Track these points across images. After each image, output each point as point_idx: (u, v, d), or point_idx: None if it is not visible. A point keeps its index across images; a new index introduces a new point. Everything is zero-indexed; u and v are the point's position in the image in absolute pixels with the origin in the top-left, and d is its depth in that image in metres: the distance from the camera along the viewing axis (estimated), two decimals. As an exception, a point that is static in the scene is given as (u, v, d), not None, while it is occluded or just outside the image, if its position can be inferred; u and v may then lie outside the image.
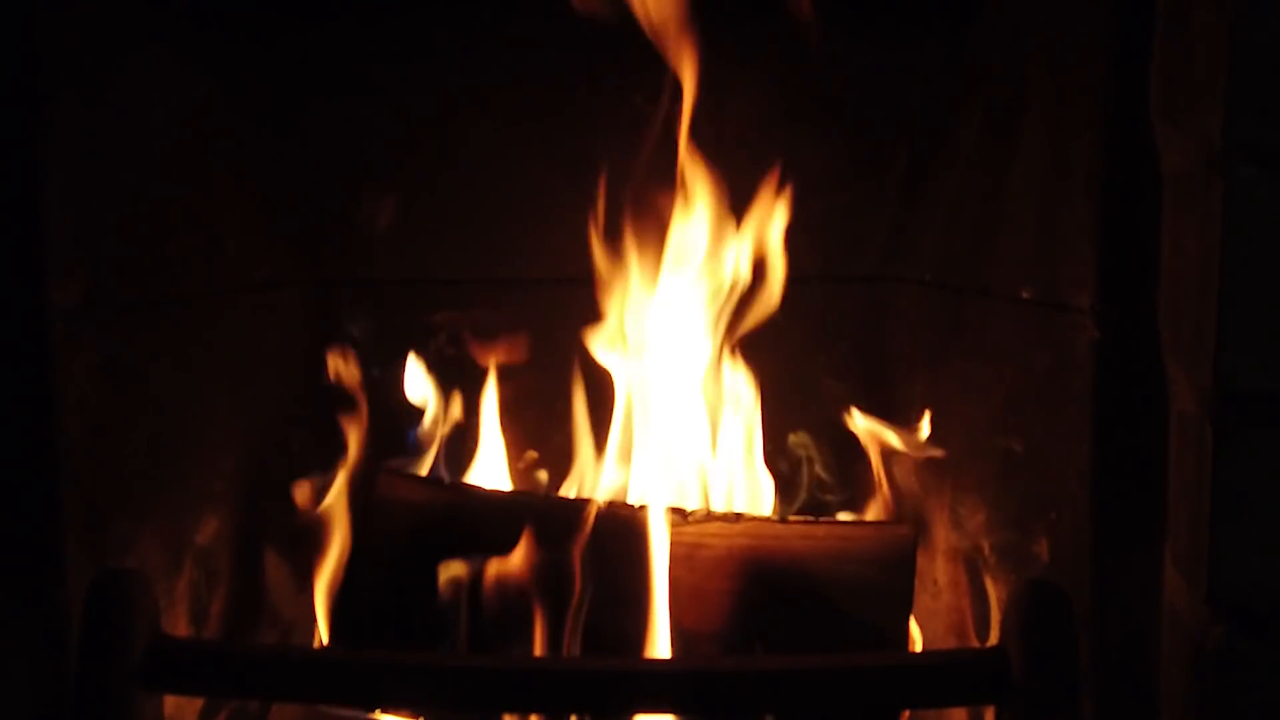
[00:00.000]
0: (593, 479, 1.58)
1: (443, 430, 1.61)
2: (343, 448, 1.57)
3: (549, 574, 1.37)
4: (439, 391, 1.63)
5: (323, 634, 1.48)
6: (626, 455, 1.56)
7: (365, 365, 1.61)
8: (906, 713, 1.38)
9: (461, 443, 1.63)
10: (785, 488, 1.63)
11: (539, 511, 1.43)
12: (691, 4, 1.46)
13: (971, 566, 1.52)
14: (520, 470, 1.66)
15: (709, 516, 1.45)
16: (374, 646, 1.39)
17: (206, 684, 1.30)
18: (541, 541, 1.39)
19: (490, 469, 1.61)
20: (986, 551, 1.49)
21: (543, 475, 1.67)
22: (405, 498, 1.48)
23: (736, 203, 1.55)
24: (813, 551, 1.41)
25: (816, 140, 1.64)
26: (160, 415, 1.45)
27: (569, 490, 1.58)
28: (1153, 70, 1.21)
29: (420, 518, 1.45)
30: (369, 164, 1.67)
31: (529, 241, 1.68)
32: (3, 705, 1.26)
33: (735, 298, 1.56)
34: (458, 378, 1.63)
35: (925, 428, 1.55)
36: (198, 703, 1.50)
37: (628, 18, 1.46)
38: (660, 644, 1.36)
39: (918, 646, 1.49)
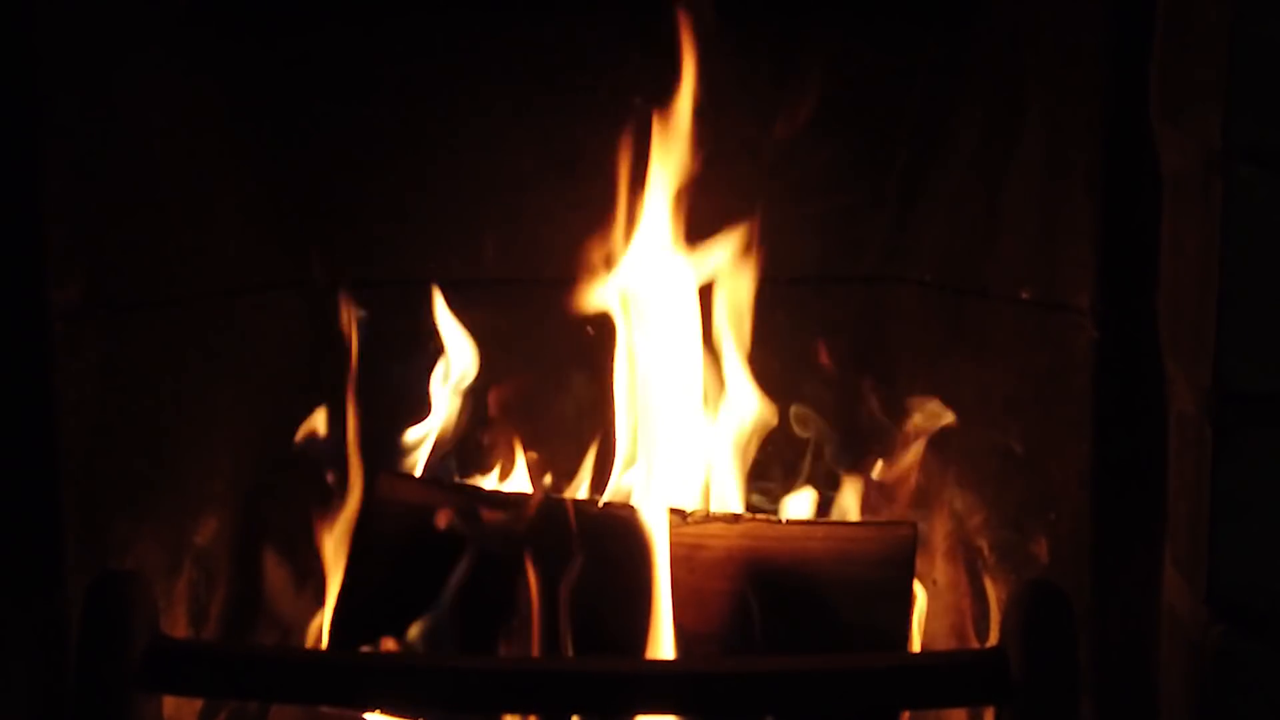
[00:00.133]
0: (592, 480, 1.58)
1: (442, 431, 1.61)
2: (342, 448, 1.57)
3: (546, 574, 1.37)
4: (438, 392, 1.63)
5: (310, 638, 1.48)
6: (626, 456, 1.56)
7: (364, 366, 1.61)
8: (906, 713, 1.38)
9: (461, 443, 1.63)
10: (785, 488, 1.63)
11: (538, 513, 1.43)
12: (692, 4, 1.46)
13: (971, 567, 1.52)
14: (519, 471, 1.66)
15: (708, 517, 1.45)
16: (373, 648, 1.39)
17: (205, 685, 1.30)
18: (539, 542, 1.39)
19: (490, 470, 1.61)
20: (986, 552, 1.49)
21: (544, 476, 1.67)
22: (404, 499, 1.48)
23: (737, 203, 1.55)
24: (812, 552, 1.41)
25: (816, 140, 1.64)
26: (160, 416, 1.45)
27: (569, 491, 1.58)
28: (1152, 70, 1.21)
29: (419, 519, 1.45)
30: (369, 164, 1.67)
31: (529, 242, 1.68)
32: (2, 706, 1.26)
33: (735, 299, 1.56)
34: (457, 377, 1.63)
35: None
36: (197, 703, 1.49)
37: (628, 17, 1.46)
38: (661, 645, 1.36)
39: (917, 647, 1.49)
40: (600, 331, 1.56)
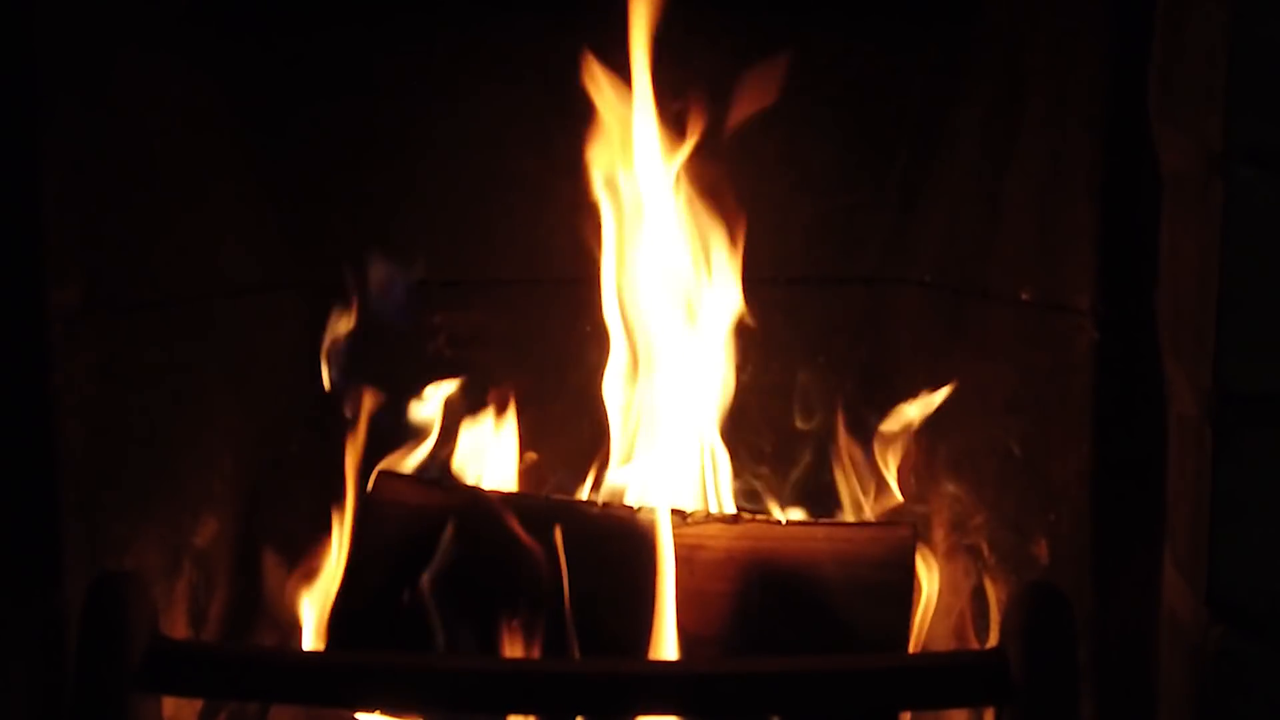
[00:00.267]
0: (593, 480, 1.58)
1: (441, 431, 1.61)
2: (341, 449, 1.57)
3: (545, 575, 1.37)
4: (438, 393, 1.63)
5: (309, 639, 1.48)
6: (626, 457, 1.56)
7: (364, 366, 1.61)
8: (907, 714, 1.38)
9: (460, 444, 1.62)
10: (784, 488, 1.63)
11: (537, 513, 1.43)
12: (693, 5, 1.46)
13: (971, 568, 1.52)
14: (520, 472, 1.66)
15: (708, 518, 1.45)
16: (372, 648, 1.39)
17: (205, 686, 1.30)
18: (538, 542, 1.39)
19: (490, 471, 1.61)
20: (986, 553, 1.49)
21: (543, 476, 1.67)
22: (403, 499, 1.48)
23: (736, 203, 1.55)
24: (813, 553, 1.41)
25: (816, 141, 1.64)
26: (159, 416, 1.45)
27: (568, 492, 1.58)
28: (1152, 71, 1.21)
29: (418, 519, 1.45)
30: (368, 164, 1.66)
31: (529, 242, 1.68)
32: (1, 707, 1.26)
33: (735, 299, 1.56)
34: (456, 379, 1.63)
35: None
36: (196, 704, 1.49)
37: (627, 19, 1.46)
38: (662, 646, 1.36)
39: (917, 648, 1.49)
40: (599, 331, 1.56)
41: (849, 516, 1.63)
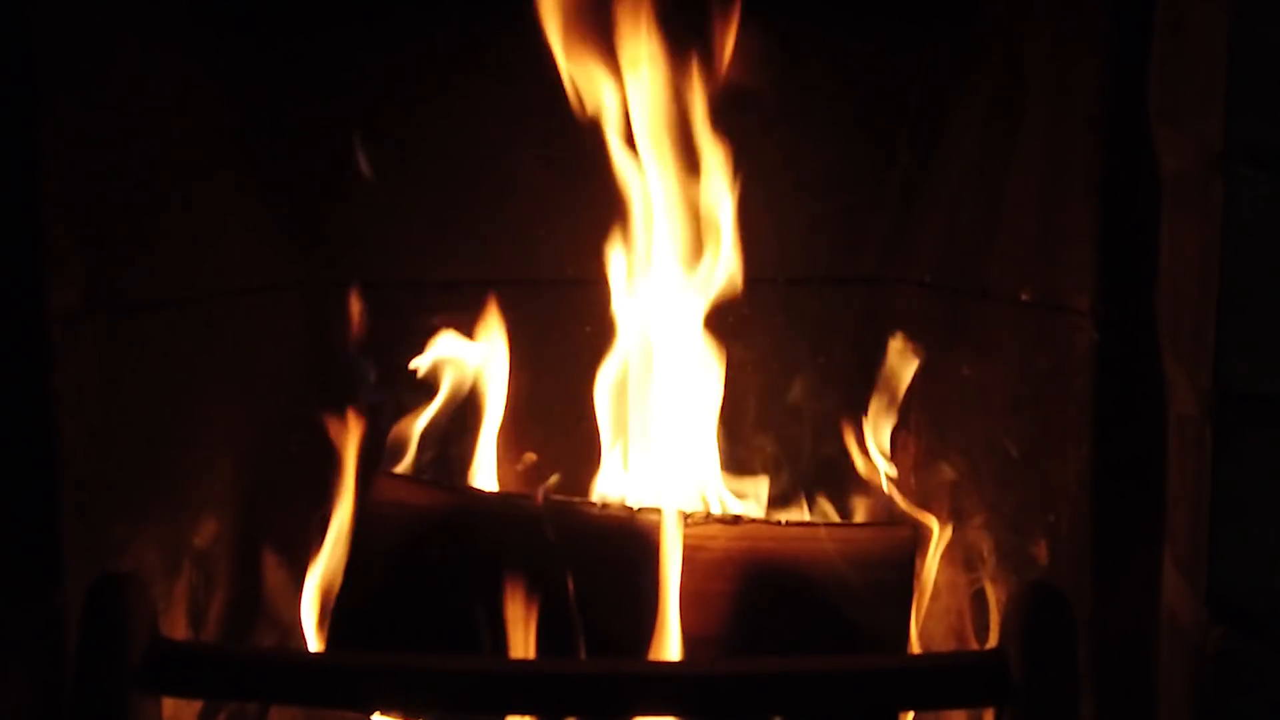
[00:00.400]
0: (592, 481, 1.58)
1: (441, 432, 1.61)
2: (342, 450, 1.57)
3: (545, 576, 1.37)
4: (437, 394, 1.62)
5: (311, 640, 1.48)
6: (625, 458, 1.56)
7: (364, 367, 1.61)
8: (907, 714, 1.38)
9: (460, 445, 1.62)
10: (784, 488, 1.63)
11: (538, 514, 1.43)
12: (693, 6, 1.46)
13: (971, 568, 1.52)
14: (519, 473, 1.66)
15: (708, 519, 1.44)
16: (372, 649, 1.39)
17: (205, 686, 1.30)
18: (539, 544, 1.39)
19: (490, 472, 1.61)
20: (986, 553, 1.49)
21: (541, 475, 1.67)
22: (403, 500, 1.48)
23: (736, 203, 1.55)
24: (812, 553, 1.41)
25: (816, 141, 1.64)
26: (159, 417, 1.45)
27: (568, 493, 1.58)
28: (1151, 71, 1.21)
29: (418, 520, 1.45)
30: (369, 165, 1.66)
31: (529, 243, 1.68)
32: (1, 707, 1.26)
33: (734, 299, 1.56)
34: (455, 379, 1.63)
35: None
36: (196, 705, 1.49)
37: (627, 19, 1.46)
38: (662, 647, 1.36)
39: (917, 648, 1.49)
40: (599, 332, 1.56)
41: (849, 516, 1.63)
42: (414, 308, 1.65)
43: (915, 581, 1.43)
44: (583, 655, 1.35)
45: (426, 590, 1.41)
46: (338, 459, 1.55)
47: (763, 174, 1.58)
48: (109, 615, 1.22)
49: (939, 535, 1.51)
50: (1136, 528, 1.24)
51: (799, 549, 1.41)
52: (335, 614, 1.44)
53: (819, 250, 1.69)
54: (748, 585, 1.40)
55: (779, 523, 1.47)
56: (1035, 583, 1.26)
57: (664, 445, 1.55)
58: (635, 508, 1.45)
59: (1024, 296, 1.42)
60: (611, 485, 1.56)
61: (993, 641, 1.41)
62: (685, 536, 1.40)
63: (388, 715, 1.36)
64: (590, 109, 1.50)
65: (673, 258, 1.54)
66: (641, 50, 1.47)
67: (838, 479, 1.65)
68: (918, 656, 1.45)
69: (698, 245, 1.55)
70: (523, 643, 1.36)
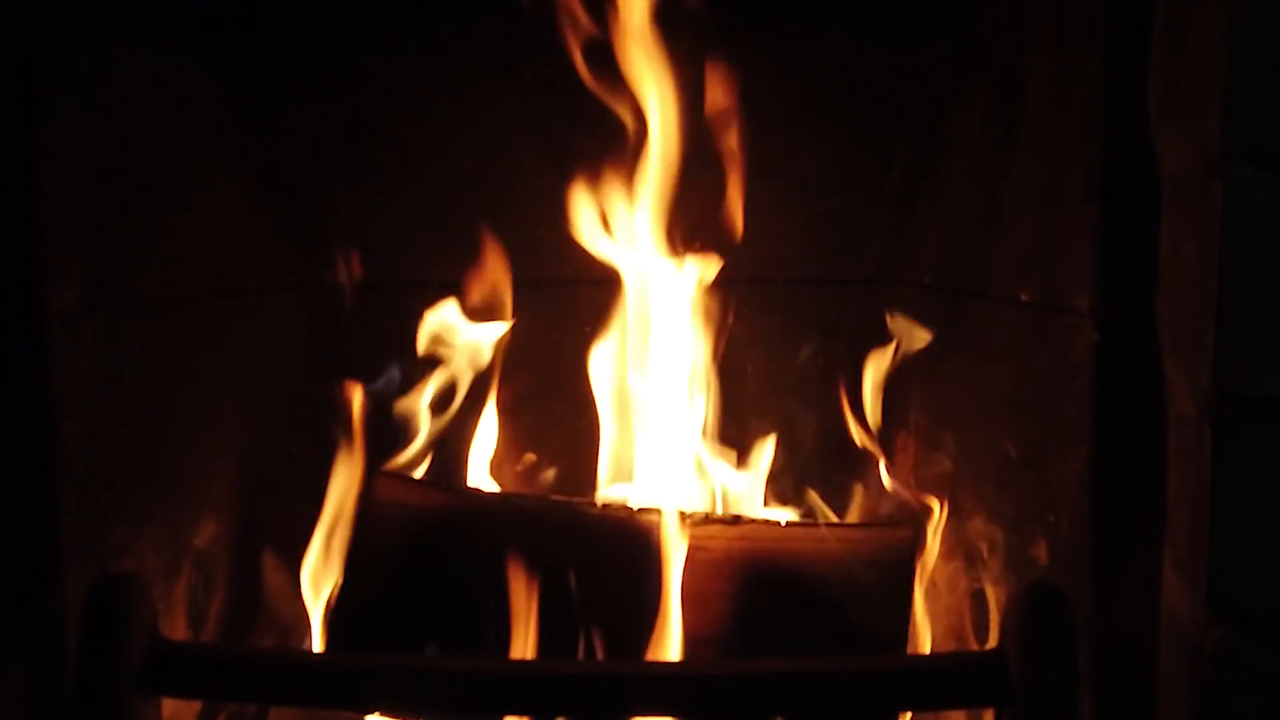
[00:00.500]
0: (592, 482, 1.58)
1: (441, 432, 1.61)
2: (341, 451, 1.57)
3: (544, 576, 1.37)
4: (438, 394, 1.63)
5: (317, 641, 1.48)
6: (625, 458, 1.56)
7: (364, 367, 1.61)
8: (906, 715, 1.38)
9: (461, 445, 1.62)
10: (784, 489, 1.63)
11: (537, 514, 1.43)
12: (692, 6, 1.46)
13: (970, 569, 1.52)
14: (519, 473, 1.66)
15: (707, 519, 1.44)
16: (372, 650, 1.39)
17: (204, 687, 1.30)
18: (539, 544, 1.39)
19: (490, 472, 1.61)
20: (985, 554, 1.49)
21: (544, 477, 1.67)
22: (403, 500, 1.48)
23: (735, 204, 1.55)
24: (812, 554, 1.41)
25: (816, 143, 1.64)
26: (158, 418, 1.45)
27: (568, 493, 1.58)
28: (1151, 71, 1.21)
29: (418, 521, 1.45)
30: (369, 165, 1.67)
31: (528, 243, 1.68)
32: (1, 708, 1.26)
33: (734, 300, 1.56)
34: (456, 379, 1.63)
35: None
36: (196, 706, 1.49)
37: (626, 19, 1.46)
38: (661, 647, 1.36)
39: (920, 648, 1.49)
40: (598, 332, 1.56)
41: (849, 517, 1.63)
42: (414, 308, 1.64)
43: (915, 580, 1.44)
44: (582, 656, 1.36)
45: (426, 590, 1.41)
46: (337, 459, 1.56)
47: (763, 174, 1.58)
48: (109, 616, 1.22)
49: (939, 517, 1.51)
50: (1136, 528, 1.24)
51: (799, 549, 1.41)
52: (335, 614, 1.44)
53: (819, 251, 1.69)
54: (747, 585, 1.40)
55: (779, 523, 1.47)
56: (1035, 583, 1.26)
57: (663, 446, 1.55)
58: (635, 508, 1.45)
59: (1024, 297, 1.42)
60: (611, 485, 1.56)
61: (992, 642, 1.41)
62: (685, 536, 1.40)
63: (388, 716, 1.36)
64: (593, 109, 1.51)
65: (672, 258, 1.54)
66: (644, 52, 1.48)
67: (838, 479, 1.65)
68: (917, 657, 1.45)
69: (698, 245, 1.55)
70: (522, 643, 1.36)
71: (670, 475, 1.54)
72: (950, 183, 1.59)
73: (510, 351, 1.61)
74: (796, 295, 1.67)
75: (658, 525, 1.40)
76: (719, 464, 1.57)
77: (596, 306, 1.55)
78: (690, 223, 1.54)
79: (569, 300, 1.60)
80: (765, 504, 1.59)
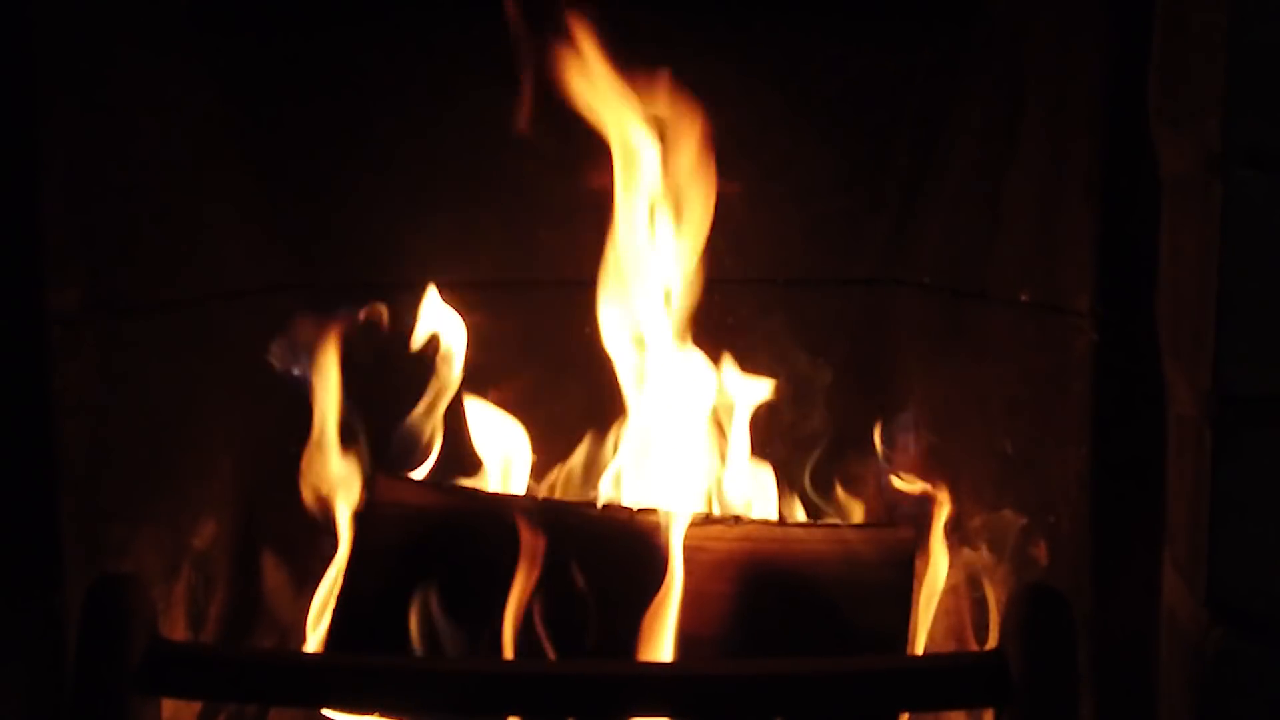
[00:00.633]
0: (592, 482, 1.58)
1: (441, 432, 1.61)
2: (341, 451, 1.57)
3: (545, 577, 1.37)
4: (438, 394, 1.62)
5: (311, 641, 1.48)
6: (625, 459, 1.56)
7: (364, 368, 1.61)
8: (905, 715, 1.38)
9: (461, 446, 1.62)
10: (783, 488, 1.63)
11: (537, 515, 1.43)
12: (693, 7, 1.46)
13: (970, 569, 1.52)
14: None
15: (708, 520, 1.44)
16: (372, 650, 1.39)
17: (204, 688, 1.30)
18: (538, 544, 1.39)
19: (490, 472, 1.61)
20: (985, 554, 1.49)
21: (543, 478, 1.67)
22: (403, 500, 1.48)
23: (736, 204, 1.55)
24: (813, 554, 1.41)
25: (816, 143, 1.64)
26: (158, 419, 1.45)
27: (568, 494, 1.58)
28: (1151, 72, 1.21)
29: (418, 521, 1.45)
30: (369, 165, 1.67)
31: (529, 243, 1.68)
32: (0, 709, 1.26)
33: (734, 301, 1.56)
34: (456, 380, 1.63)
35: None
36: (195, 706, 1.50)
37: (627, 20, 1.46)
38: (662, 648, 1.36)
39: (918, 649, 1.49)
40: (598, 333, 1.56)
41: (849, 517, 1.63)
42: (414, 308, 1.64)
43: (916, 580, 1.44)
44: (582, 656, 1.36)
45: (425, 591, 1.41)
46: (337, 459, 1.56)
47: (763, 175, 1.58)
48: (108, 616, 1.22)
49: (945, 510, 1.51)
50: (1136, 529, 1.24)
51: (799, 550, 1.41)
52: (335, 615, 1.44)
53: (819, 251, 1.69)
54: (748, 586, 1.40)
55: (779, 523, 1.47)
56: (1035, 584, 1.26)
57: (663, 446, 1.55)
58: (635, 508, 1.45)
59: (1023, 297, 1.42)
60: (611, 485, 1.56)
61: (992, 642, 1.41)
62: (685, 537, 1.40)
63: (387, 716, 1.36)
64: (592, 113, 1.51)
65: (672, 258, 1.54)
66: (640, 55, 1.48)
67: (837, 479, 1.65)
68: (917, 657, 1.45)
69: (697, 246, 1.55)
70: (522, 644, 1.36)
71: (671, 476, 1.54)
72: (950, 183, 1.59)
73: (510, 352, 1.61)
74: (796, 295, 1.67)
75: (658, 526, 1.40)
76: (719, 464, 1.57)
77: (596, 308, 1.55)
78: (690, 223, 1.54)
79: (569, 301, 1.60)
80: (765, 504, 1.59)
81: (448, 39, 1.61)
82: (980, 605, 1.50)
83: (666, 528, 1.40)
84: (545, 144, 1.59)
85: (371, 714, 1.35)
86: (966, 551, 1.53)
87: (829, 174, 1.65)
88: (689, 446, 1.56)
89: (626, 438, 1.56)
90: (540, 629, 1.37)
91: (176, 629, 1.47)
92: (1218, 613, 1.09)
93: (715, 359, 1.57)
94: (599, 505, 1.48)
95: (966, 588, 1.53)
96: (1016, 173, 1.44)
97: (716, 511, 1.53)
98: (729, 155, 1.52)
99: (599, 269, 1.54)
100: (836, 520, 1.61)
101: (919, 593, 1.47)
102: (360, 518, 1.50)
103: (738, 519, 1.46)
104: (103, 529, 1.35)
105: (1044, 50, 1.40)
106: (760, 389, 1.58)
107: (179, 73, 1.51)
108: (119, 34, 1.39)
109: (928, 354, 1.62)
